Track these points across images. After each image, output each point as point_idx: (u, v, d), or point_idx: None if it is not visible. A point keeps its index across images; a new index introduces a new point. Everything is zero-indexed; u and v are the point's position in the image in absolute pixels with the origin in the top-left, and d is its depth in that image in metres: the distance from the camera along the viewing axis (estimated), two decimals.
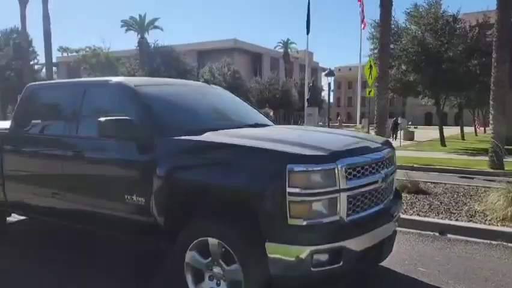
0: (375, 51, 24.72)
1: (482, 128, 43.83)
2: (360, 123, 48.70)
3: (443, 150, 20.40)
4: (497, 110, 13.21)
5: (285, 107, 44.50)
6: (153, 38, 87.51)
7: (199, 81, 37.75)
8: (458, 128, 34.71)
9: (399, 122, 33.16)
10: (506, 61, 13.51)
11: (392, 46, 24.13)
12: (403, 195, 7.14)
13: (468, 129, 35.46)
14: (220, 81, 40.10)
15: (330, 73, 16.92)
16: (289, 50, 65.81)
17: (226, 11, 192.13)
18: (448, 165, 13.27)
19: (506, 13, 13.16)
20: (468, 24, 22.52)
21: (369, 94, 14.22)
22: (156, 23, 42.70)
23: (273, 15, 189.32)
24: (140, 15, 41.82)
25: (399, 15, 37.40)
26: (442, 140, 23.68)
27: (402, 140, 29.77)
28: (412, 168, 12.78)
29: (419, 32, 21.34)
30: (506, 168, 12.74)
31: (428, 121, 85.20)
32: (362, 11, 45.03)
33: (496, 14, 13.37)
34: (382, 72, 14.64)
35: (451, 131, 39.37)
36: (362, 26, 43.94)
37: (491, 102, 13.53)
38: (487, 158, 16.09)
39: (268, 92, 47.37)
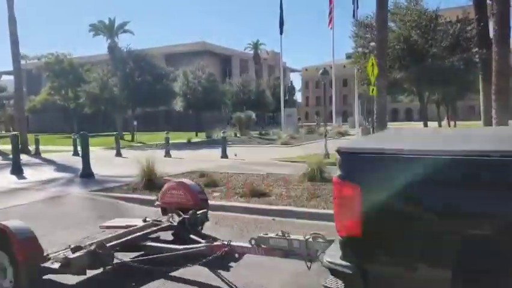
0: (359, 49, 24.84)
1: (452, 122, 44.99)
2: (336, 122, 49.12)
3: None
4: (499, 103, 13.22)
5: (259, 109, 44.01)
6: (123, 42, 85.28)
7: (173, 85, 36.77)
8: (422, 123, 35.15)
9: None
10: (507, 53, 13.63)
11: (373, 44, 24.38)
12: None
13: (432, 124, 35.86)
14: (195, 85, 39.11)
15: (325, 72, 16.49)
16: (259, 51, 65.48)
17: (194, 14, 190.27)
18: None
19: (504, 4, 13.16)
20: (448, 20, 22.85)
21: (372, 92, 13.91)
22: (126, 27, 41.31)
23: (241, 18, 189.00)
24: (110, 19, 40.29)
25: None
26: None
27: None
28: None
29: (405, 29, 21.39)
30: None
31: (393, 118, 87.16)
32: (331, 11, 45.20)
33: (491, 6, 13.31)
34: (380, 70, 14.43)
35: (421, 126, 40.28)
36: (330, 26, 43.99)
37: (492, 96, 13.56)
38: None
39: (243, 93, 46.75)
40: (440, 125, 32.88)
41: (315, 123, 40.26)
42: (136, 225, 4.88)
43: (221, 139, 17.15)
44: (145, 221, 4.99)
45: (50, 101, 51.59)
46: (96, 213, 6.99)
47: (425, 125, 24.27)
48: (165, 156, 17.09)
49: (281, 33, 42.70)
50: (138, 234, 4.59)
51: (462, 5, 31.59)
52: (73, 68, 46.99)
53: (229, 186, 8.46)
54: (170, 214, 5.07)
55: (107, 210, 7.21)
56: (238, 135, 29.29)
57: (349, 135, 34.71)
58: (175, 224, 4.85)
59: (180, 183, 5.56)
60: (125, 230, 4.68)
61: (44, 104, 53.17)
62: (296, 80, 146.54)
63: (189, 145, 25.88)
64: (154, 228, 4.80)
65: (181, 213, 4.91)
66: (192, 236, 4.61)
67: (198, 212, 5.00)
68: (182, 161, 15.46)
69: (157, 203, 5.72)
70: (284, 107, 37.11)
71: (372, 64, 13.62)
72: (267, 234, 3.89)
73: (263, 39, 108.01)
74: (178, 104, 38.58)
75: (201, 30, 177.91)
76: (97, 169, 10.85)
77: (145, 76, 32.31)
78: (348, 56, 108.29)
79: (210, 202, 7.10)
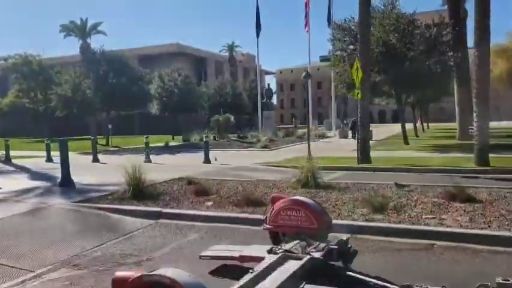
0: (337, 52, 24.94)
1: (425, 124, 46.00)
2: (312, 124, 49.31)
3: (411, 149, 20.68)
4: (480, 107, 13.45)
5: (236, 111, 43.58)
6: (96, 43, 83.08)
7: (149, 87, 35.98)
8: (398, 125, 35.72)
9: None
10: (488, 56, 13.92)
11: (352, 47, 24.56)
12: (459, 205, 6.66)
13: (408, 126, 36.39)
14: (172, 87, 38.47)
15: (307, 75, 16.39)
16: (234, 53, 65.22)
17: (168, 16, 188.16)
18: (441, 166, 13.23)
19: (485, 15, 13.39)
20: (425, 23, 23.25)
21: (357, 96, 13.87)
22: (99, 28, 40.20)
23: (216, 20, 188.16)
24: (81, 19, 39.13)
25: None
26: (405, 138, 24.16)
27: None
28: (408, 170, 12.66)
29: (383, 33, 21.59)
30: (492, 164, 13.03)
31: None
32: (307, 14, 45.34)
33: (475, 15, 13.53)
34: (364, 72, 14.43)
35: (395, 128, 41.10)
36: (306, 28, 44.20)
37: (474, 99, 13.79)
38: (461, 155, 16.66)
39: (219, 96, 46.34)
40: (415, 127, 33.47)
41: (292, 126, 40.20)
42: (259, 257, 3.73)
43: (203, 143, 16.76)
44: (271, 251, 3.79)
45: (18, 103, 49.63)
46: (84, 227, 6.54)
47: (403, 127, 24.58)
48: (145, 161, 16.54)
49: (257, 35, 42.63)
50: (286, 277, 3.24)
51: (437, 9, 32.48)
52: (42, 69, 45.30)
53: (222, 195, 8.15)
54: (296, 242, 3.99)
55: (95, 224, 6.77)
56: (217, 138, 28.87)
57: (327, 137, 34.88)
58: (317, 256, 3.66)
59: (297, 201, 4.60)
60: (255, 272, 3.30)
61: (11, 106, 51.13)
62: (271, 83, 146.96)
63: (167, 149, 25.30)
64: (296, 267, 3.44)
65: (312, 241, 3.95)
66: (351, 273, 3.51)
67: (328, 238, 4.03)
68: (165, 167, 15.00)
69: (265, 226, 4.68)
70: (262, 110, 36.96)
71: (357, 68, 13.60)
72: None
73: (238, 41, 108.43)
74: (154, 107, 37.83)
75: (176, 32, 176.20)
76: (75, 177, 10.29)
77: (120, 78, 31.46)
78: (323, 59, 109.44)
79: (206, 213, 6.82)
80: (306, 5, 44.26)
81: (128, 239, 5.90)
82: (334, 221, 5.89)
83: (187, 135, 31.54)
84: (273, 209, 4.62)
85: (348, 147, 23.52)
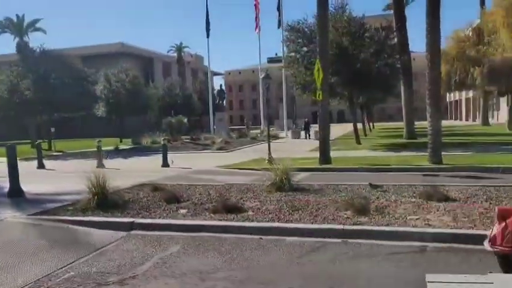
0: (292, 54, 25.12)
1: (371, 124, 47.69)
2: (264, 125, 49.47)
3: (364, 148, 21.24)
4: (433, 108, 14.01)
5: (186, 113, 42.64)
6: (36, 42, 77.82)
7: (95, 88, 34.18)
8: (343, 125, 36.77)
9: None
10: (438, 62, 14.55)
11: (305, 49, 24.85)
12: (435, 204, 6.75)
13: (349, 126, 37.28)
14: (119, 88, 36.90)
15: (267, 77, 16.26)
16: (182, 54, 64.01)
17: (112, 16, 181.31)
18: (400, 164, 13.59)
19: (435, 18, 13.97)
20: (374, 27, 24.02)
21: (318, 97, 13.93)
22: (38, 25, 37.63)
23: (164, 20, 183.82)
24: (17, 16, 36.34)
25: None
26: (357, 138, 24.81)
27: (313, 139, 30.84)
28: (371, 170, 12.87)
29: (336, 36, 21.99)
30: (444, 162, 13.62)
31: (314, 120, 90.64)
32: (257, 16, 45.44)
33: (426, 16, 14.05)
34: (324, 74, 14.54)
35: (341, 128, 42.38)
36: (256, 30, 44.36)
37: (427, 100, 14.35)
38: (413, 153, 17.33)
39: (169, 97, 45.18)
40: (364, 127, 34.55)
41: (244, 127, 40.09)
42: None
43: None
44: None
45: None
46: (48, 243, 5.87)
47: (355, 127, 25.26)
48: (98, 166, 15.59)
49: (207, 36, 42.16)
50: None
51: (383, 13, 33.76)
52: None
53: (195, 201, 7.73)
54: None
55: (60, 239, 6.10)
56: (170, 141, 28.00)
57: (280, 138, 35.07)
58: None
59: None
60: None
61: None
62: (219, 84, 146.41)
63: (118, 153, 24.10)
64: None
65: None
66: None
67: None
68: (121, 172, 14.18)
69: (494, 247, 3.75)
70: (214, 111, 36.51)
71: (318, 69, 13.67)
72: None
73: (187, 43, 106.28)
74: (101, 109, 36.07)
75: (123, 33, 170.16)
76: (23, 186, 9.38)
77: (62, 78, 29.59)
78: (270, 61, 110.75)
79: (184, 221, 6.40)
80: (256, 6, 44.42)
81: (102, 255, 5.35)
82: (322, 226, 5.75)
83: (137, 138, 30.34)
84: (506, 225, 3.74)
85: (303, 147, 23.79)
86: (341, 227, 5.64)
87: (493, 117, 49.75)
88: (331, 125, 36.83)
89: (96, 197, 7.42)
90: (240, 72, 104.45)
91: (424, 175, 11.35)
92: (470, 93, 53.71)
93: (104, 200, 7.43)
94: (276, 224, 5.96)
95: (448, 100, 71.78)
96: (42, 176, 14.25)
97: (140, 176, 11.61)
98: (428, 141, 14.14)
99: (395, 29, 24.97)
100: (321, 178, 10.63)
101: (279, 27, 40.36)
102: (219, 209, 6.81)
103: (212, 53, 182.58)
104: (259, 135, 33.41)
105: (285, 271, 4.58)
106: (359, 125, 30.39)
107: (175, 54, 65.90)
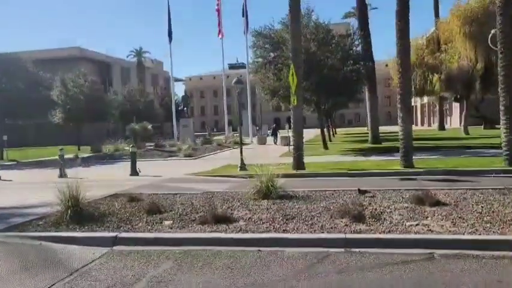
0: (259, 59, 24.99)
1: (332, 129, 48.43)
2: (227, 132, 48.94)
3: (333, 153, 21.34)
4: (404, 113, 14.24)
5: (148, 120, 41.52)
6: None
7: (51, 93, 32.44)
8: (304, 130, 36.61)
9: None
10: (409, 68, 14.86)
11: (273, 54, 24.82)
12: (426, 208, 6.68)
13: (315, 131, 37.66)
14: (77, 94, 35.30)
15: (239, 82, 15.96)
16: (142, 59, 62.52)
17: (69, 20, 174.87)
18: (374, 169, 13.67)
19: (406, 23, 14.25)
20: (339, 33, 24.38)
21: (293, 102, 13.78)
22: None
23: (123, 27, 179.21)
24: None
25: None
26: (325, 143, 24.97)
27: (280, 145, 30.79)
28: (347, 175, 12.83)
29: (305, 41, 22.07)
30: (416, 166, 13.84)
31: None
32: (220, 22, 45.13)
33: (396, 24, 14.30)
34: (297, 79, 14.42)
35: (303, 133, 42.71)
36: (220, 35, 44.14)
37: (398, 105, 14.57)
38: (383, 158, 17.56)
39: (129, 103, 43.82)
40: (329, 132, 34.89)
41: (206, 133, 39.43)
42: None
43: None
44: None
45: None
46: (22, 264, 5.22)
47: (323, 132, 25.45)
48: (61, 176, 14.65)
49: (170, 41, 41.33)
50: None
51: (347, 20, 34.37)
52: None
53: (179, 212, 7.27)
54: None
55: (35, 258, 5.45)
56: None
57: (246, 144, 34.69)
58: None
59: None
60: None
61: None
62: (180, 90, 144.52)
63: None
64: None
65: None
66: None
67: None
68: (88, 182, 13.33)
69: None
70: (178, 117, 35.74)
71: (293, 74, 13.53)
72: None
73: (146, 48, 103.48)
74: (57, 116, 34.32)
75: (79, 38, 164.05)
76: None
77: (15, 83, 27.88)
78: (231, 67, 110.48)
79: (174, 235, 5.96)
80: (218, 12, 44.13)
81: (87, 275, 4.81)
82: (322, 236, 5.49)
83: (96, 145, 29.05)
84: None
85: (273, 153, 23.62)
86: (342, 235, 5.40)
87: (446, 122, 52.01)
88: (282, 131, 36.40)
89: (69, 210, 6.80)
90: (201, 78, 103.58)
91: (401, 179, 11.43)
92: (425, 99, 55.84)
93: (78, 212, 6.82)
94: (273, 235, 5.63)
95: None
96: (1, 187, 13.16)
97: (109, 186, 10.93)
98: (399, 145, 14.30)
99: (358, 36, 25.47)
100: (300, 184, 10.38)
101: (245, 33, 40.40)
102: (207, 220, 6.40)
103: (173, 59, 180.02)
104: (224, 141, 32.93)
105: (294, 286, 4.26)
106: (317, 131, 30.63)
107: (135, 60, 64.25)
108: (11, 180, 15.03)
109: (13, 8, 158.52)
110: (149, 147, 28.44)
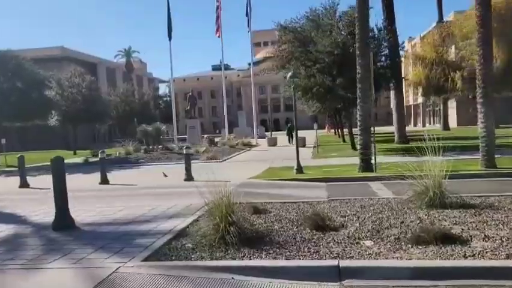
0: (284, 55, 23.59)
1: (332, 130, 47.60)
2: (222, 133, 47.17)
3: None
4: (487, 107, 13.17)
5: (147, 121, 39.39)
6: None
7: (49, 93, 29.93)
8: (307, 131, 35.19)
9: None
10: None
11: (300, 49, 23.40)
12: None
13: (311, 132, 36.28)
14: (74, 95, 32.87)
15: (294, 75, 14.48)
16: (131, 59, 60.00)
17: (53, 19, 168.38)
18: (461, 170, 12.42)
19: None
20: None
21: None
22: None
23: (111, 25, 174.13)
24: None
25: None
26: (353, 144, 23.73)
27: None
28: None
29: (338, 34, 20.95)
30: (498, 166, 12.73)
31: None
32: (218, 18, 43.45)
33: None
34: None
35: (307, 134, 41.37)
36: (217, 34, 42.40)
37: (479, 100, 13.43)
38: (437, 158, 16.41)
39: (125, 105, 41.55)
40: (342, 132, 33.71)
41: (213, 135, 37.64)
42: None
43: (184, 155, 13.76)
44: None
45: None
46: None
47: (351, 132, 24.30)
48: (102, 182, 12.72)
49: (170, 38, 39.27)
50: None
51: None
52: None
53: (354, 227, 5.73)
54: None
55: None
56: (148, 151, 25.07)
57: (255, 146, 33.08)
58: None
59: None
60: None
61: None
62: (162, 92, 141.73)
63: (90, 166, 20.39)
64: None
65: None
66: None
67: None
68: (145, 190, 11.61)
69: None
70: (190, 118, 33.94)
71: None
72: None
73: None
74: (54, 118, 31.81)
75: (65, 39, 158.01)
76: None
77: (13, 81, 25.48)
78: (214, 68, 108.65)
79: (420, 262, 4.43)
80: (218, 8, 42.40)
81: None
82: None
83: (96, 149, 26.77)
84: None
85: (300, 154, 22.12)
86: None
87: (440, 122, 51.86)
88: (302, 131, 35.06)
89: (231, 227, 5.17)
90: (184, 80, 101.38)
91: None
92: (419, 99, 55.69)
93: (241, 230, 5.19)
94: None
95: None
96: (40, 196, 11.17)
97: (182, 194, 9.33)
98: (480, 143, 13.18)
99: (385, 25, 24.05)
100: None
101: (249, 31, 38.98)
102: (424, 239, 4.87)
103: (155, 60, 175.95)
104: (238, 143, 31.27)
105: None
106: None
107: (123, 60, 61.62)
108: (41, 189, 13.01)
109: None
110: (161, 151, 26.41)
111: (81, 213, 7.66)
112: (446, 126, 43.02)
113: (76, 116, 32.15)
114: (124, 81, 61.87)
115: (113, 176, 14.90)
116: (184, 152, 13.43)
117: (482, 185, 9.33)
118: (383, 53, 22.70)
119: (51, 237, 6.14)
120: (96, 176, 14.19)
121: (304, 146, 27.20)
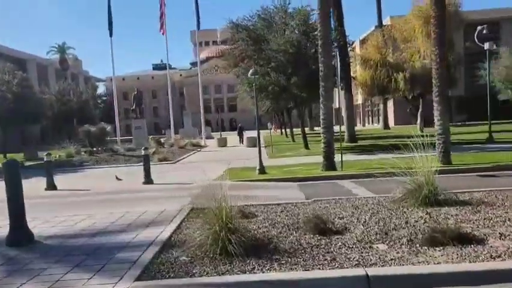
0: (235, 53, 23.06)
1: (279, 130, 47.88)
2: (167, 134, 45.62)
3: (319, 153, 19.96)
4: (443, 106, 13.55)
5: (86, 122, 37.00)
6: None
7: None
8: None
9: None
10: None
11: (252, 48, 22.99)
12: None
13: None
14: (4, 92, 29.88)
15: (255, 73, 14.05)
16: (66, 55, 56.28)
17: None
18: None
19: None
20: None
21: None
22: None
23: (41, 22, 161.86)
24: None
25: None
26: (306, 143, 23.77)
27: (245, 146, 28.98)
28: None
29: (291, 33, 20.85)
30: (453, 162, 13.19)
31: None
32: (162, 14, 41.97)
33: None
34: None
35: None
36: (161, 31, 40.99)
37: (435, 99, 13.79)
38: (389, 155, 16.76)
39: (61, 104, 38.74)
40: (292, 132, 33.79)
41: (158, 136, 36.15)
42: None
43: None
44: None
45: None
46: None
47: (303, 131, 24.30)
48: (47, 188, 11.44)
49: (110, 34, 37.22)
50: None
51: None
52: None
53: (355, 232, 5.34)
54: None
55: None
56: (93, 153, 23.36)
57: (204, 146, 32.20)
58: None
59: None
60: None
61: None
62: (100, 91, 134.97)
63: (34, 170, 18.46)
64: None
65: None
66: None
67: None
68: (106, 195, 10.57)
69: None
70: (135, 118, 32.27)
71: None
72: None
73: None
74: None
75: None
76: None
77: None
78: (155, 67, 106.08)
79: (441, 268, 4.11)
80: (162, 4, 40.94)
81: None
82: None
83: (31, 152, 24.61)
84: None
85: (255, 154, 21.65)
86: None
87: (378, 121, 54.07)
88: (250, 131, 34.39)
89: (231, 235, 4.56)
90: (123, 79, 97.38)
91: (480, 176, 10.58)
92: (359, 100, 57.62)
93: (244, 238, 4.60)
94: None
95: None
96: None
97: (149, 199, 8.53)
98: (436, 141, 13.47)
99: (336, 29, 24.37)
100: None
101: (198, 29, 38.09)
102: (439, 240, 4.60)
103: (91, 57, 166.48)
104: (187, 144, 30.23)
105: None
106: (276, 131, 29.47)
107: (56, 56, 57.61)
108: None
109: None
110: (108, 152, 24.75)
111: (37, 224, 6.63)
112: (386, 126, 44.81)
113: (6, 116, 29.26)
114: (58, 79, 57.93)
115: (57, 180, 13.44)
116: (143, 153, 12.42)
117: (456, 181, 9.30)
118: (333, 53, 22.88)
119: (10, 255, 5.13)
120: (38, 181, 12.80)
121: (255, 145, 26.86)
